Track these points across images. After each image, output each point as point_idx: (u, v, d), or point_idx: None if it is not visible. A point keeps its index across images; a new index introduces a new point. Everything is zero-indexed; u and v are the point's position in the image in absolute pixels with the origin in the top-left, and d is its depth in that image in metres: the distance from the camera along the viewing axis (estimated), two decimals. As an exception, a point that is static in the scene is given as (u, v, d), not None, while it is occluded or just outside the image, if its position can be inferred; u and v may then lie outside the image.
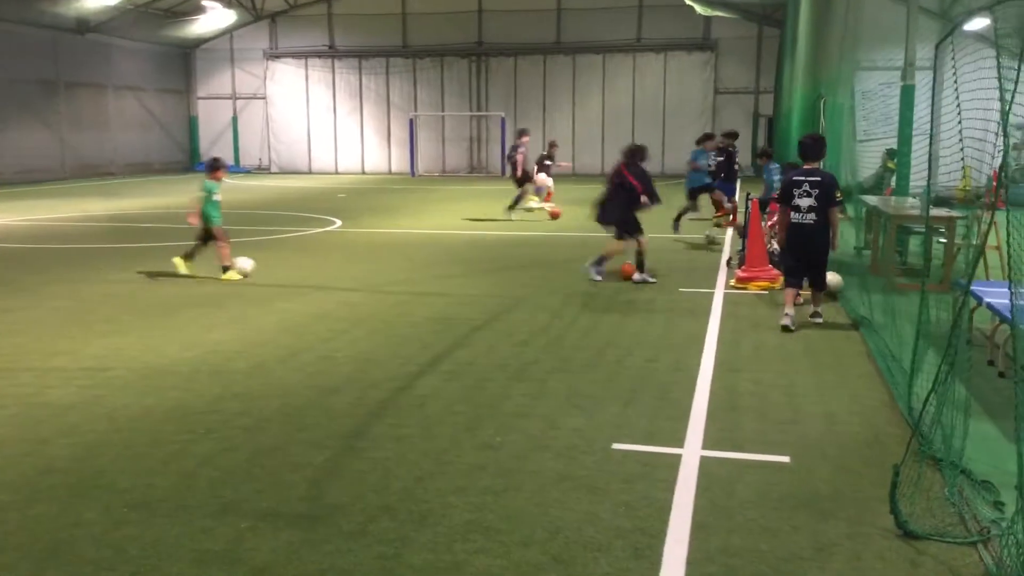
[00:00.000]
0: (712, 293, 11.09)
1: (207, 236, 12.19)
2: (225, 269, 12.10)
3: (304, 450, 5.68)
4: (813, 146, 9.46)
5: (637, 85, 38.72)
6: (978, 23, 7.43)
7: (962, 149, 5.40)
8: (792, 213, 9.20)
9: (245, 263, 12.28)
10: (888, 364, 7.50)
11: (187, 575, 4.10)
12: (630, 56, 38.59)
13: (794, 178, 9.29)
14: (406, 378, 7.32)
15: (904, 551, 4.31)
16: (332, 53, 41.16)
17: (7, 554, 4.29)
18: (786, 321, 9.09)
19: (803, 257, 9.30)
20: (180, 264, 12.25)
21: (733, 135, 18.01)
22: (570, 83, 39.37)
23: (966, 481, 5.00)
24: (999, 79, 4.49)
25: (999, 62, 4.49)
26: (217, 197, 12.12)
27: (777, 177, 16.22)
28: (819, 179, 9.16)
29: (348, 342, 8.58)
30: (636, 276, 11.75)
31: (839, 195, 9.48)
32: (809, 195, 9.08)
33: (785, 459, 5.50)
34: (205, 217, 12.07)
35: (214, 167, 12.32)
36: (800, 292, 9.61)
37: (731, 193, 17.48)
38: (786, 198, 9.27)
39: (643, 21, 38.18)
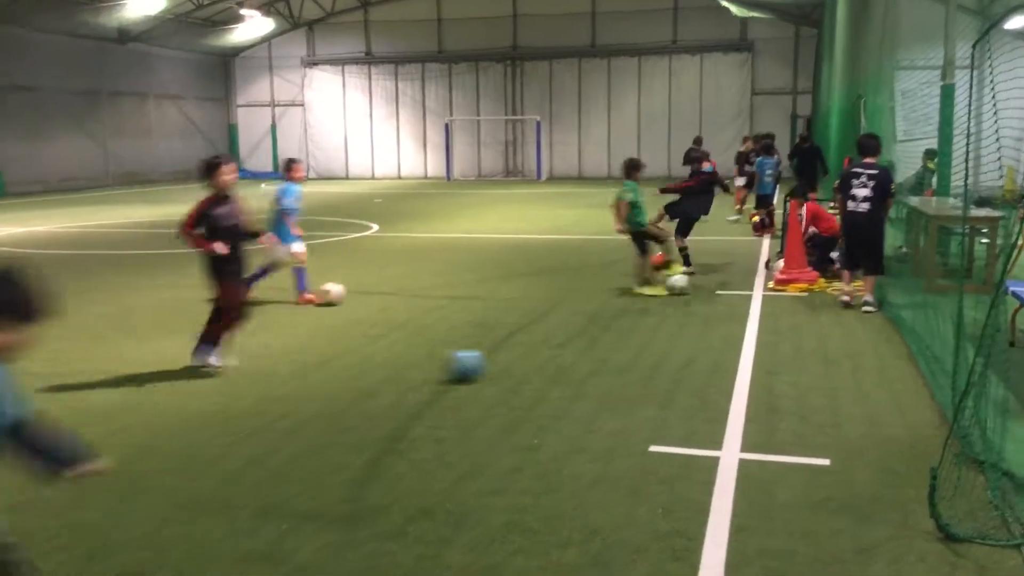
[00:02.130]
0: (750, 295, 11.02)
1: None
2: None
3: (344, 452, 5.75)
4: (870, 143, 10.19)
5: (673, 87, 38.56)
6: (1018, 21, 7.34)
7: (999, 148, 5.35)
8: (848, 202, 9.94)
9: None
10: (930, 366, 7.41)
11: (231, 574, 4.17)
12: (665, 58, 38.45)
13: (853, 170, 10.09)
14: (444, 381, 7.36)
15: (945, 554, 4.27)
16: (369, 59, 41.47)
17: (56, 554, 4.39)
18: (845, 298, 10.17)
19: (856, 244, 10.13)
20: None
21: (768, 137, 18.04)
22: (605, 86, 39.31)
23: (1009, 483, 4.93)
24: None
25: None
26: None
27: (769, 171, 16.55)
28: (876, 172, 9.89)
29: (386, 346, 8.65)
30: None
31: (893, 188, 10.29)
32: (866, 186, 9.81)
33: (825, 462, 5.47)
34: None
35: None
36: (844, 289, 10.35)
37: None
38: (844, 188, 10.05)
39: (678, 23, 38.03)
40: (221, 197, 7.61)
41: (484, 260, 14.41)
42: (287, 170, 10.88)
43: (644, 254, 11.31)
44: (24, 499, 5.01)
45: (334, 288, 10.90)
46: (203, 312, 7.87)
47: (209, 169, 7.61)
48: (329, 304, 10.66)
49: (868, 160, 9.95)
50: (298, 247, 10.82)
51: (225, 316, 7.69)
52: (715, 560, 4.24)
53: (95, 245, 17.16)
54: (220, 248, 7.44)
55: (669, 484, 5.14)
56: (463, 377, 7.29)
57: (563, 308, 10.36)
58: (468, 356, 7.48)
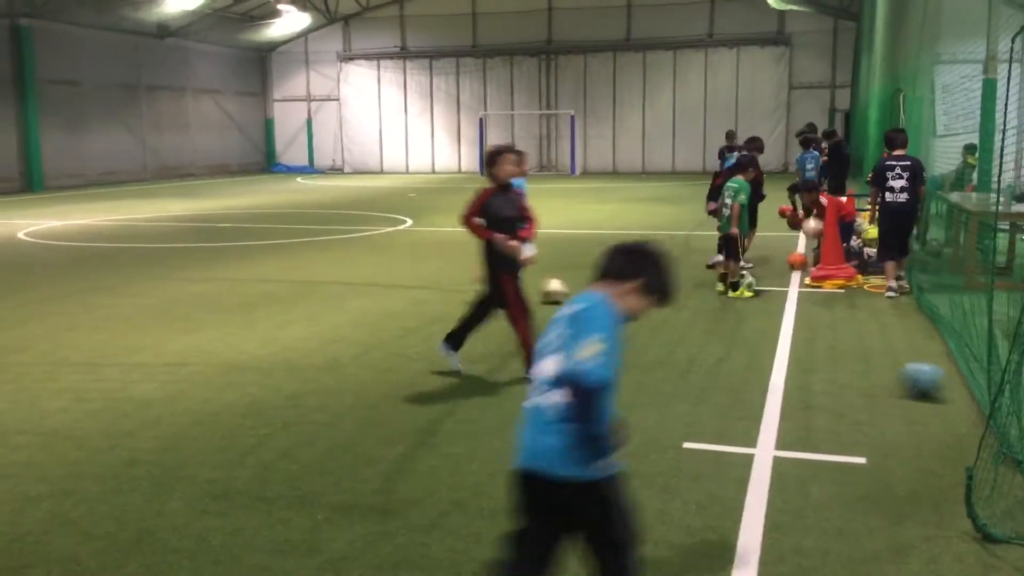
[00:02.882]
0: (786, 292, 10.93)
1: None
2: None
3: (378, 445, 5.79)
4: (899, 136, 10.69)
5: (709, 81, 38.29)
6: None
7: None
8: (886, 194, 10.35)
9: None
10: (968, 364, 7.31)
11: (266, 564, 4.22)
12: (702, 52, 38.19)
13: (886, 163, 10.49)
14: (478, 375, 7.38)
15: (981, 555, 4.21)
16: (403, 54, 41.60)
17: (94, 542, 4.47)
18: (892, 293, 10.39)
19: (896, 232, 10.49)
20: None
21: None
22: (640, 80, 39.13)
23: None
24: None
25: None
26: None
27: (811, 165, 16.17)
28: (909, 163, 10.36)
29: (420, 339, 8.69)
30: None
31: (925, 174, 10.72)
32: (901, 177, 10.28)
33: (861, 460, 5.42)
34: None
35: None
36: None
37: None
38: (879, 181, 10.48)
39: (715, 16, 37.75)
40: (501, 187, 7.17)
41: (518, 254, 14.38)
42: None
43: (735, 257, 10.83)
44: (68, 487, 5.11)
45: (554, 283, 10.47)
46: (242, 304, 7.95)
47: (491, 159, 7.17)
48: (555, 303, 9.91)
49: (898, 152, 10.50)
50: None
51: (510, 312, 7.25)
52: (749, 557, 4.22)
53: (135, 239, 17.39)
54: (502, 240, 7.05)
55: (702, 481, 5.13)
56: (923, 394, 6.61)
57: (596, 303, 10.31)
58: (925, 371, 6.71)
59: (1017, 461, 5.12)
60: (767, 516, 4.66)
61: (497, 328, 9.10)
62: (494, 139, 40.62)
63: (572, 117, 38.84)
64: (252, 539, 4.47)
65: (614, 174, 38.50)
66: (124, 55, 34.96)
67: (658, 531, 4.48)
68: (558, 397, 3.15)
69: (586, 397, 3.04)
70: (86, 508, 4.85)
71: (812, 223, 11.71)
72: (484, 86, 41.00)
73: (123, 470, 5.41)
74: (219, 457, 5.62)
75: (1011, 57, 5.68)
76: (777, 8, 33.70)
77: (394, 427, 6.14)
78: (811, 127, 20.50)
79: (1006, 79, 6.37)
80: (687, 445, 5.71)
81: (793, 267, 12.25)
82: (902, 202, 10.34)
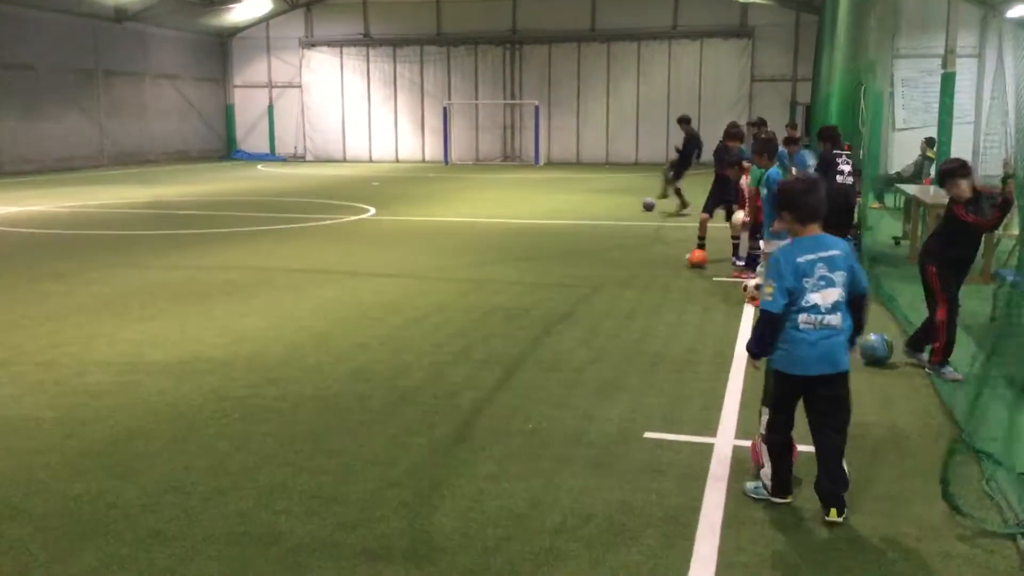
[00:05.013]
0: (743, 283, 10.98)
1: None
2: None
3: (338, 435, 5.73)
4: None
5: (673, 73, 38.38)
6: (1020, 9, 7.29)
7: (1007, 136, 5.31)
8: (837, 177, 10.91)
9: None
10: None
11: (223, 556, 4.16)
12: (665, 43, 38.27)
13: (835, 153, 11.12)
14: (440, 366, 7.34)
15: (937, 544, 4.27)
16: (367, 41, 41.24)
17: (48, 532, 4.38)
18: None
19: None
20: None
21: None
22: (604, 71, 39.14)
23: (1004, 473, 4.93)
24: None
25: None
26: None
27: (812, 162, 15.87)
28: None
29: (382, 329, 8.63)
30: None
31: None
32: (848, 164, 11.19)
33: (819, 450, 5.45)
34: None
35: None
36: None
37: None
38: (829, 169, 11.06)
39: (679, 8, 37.84)
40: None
41: (481, 245, 14.37)
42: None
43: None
44: (19, 477, 5.00)
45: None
46: (201, 293, 7.84)
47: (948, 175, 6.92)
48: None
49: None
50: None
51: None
52: (709, 547, 4.23)
53: (91, 226, 17.10)
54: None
55: (664, 471, 5.14)
56: (878, 361, 7.25)
57: (560, 293, 10.34)
58: (877, 345, 7.28)
59: (976, 451, 5.18)
60: (726, 506, 4.68)
61: (462, 318, 9.07)
62: (458, 128, 40.53)
63: (536, 107, 38.79)
64: (209, 531, 4.40)
65: (578, 164, 38.52)
66: (81, 39, 34.29)
67: (619, 521, 4.48)
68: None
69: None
70: (38, 499, 4.76)
71: (740, 215, 11.54)
72: (448, 75, 40.78)
73: (76, 461, 5.31)
74: (175, 448, 5.53)
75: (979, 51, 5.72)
76: (740, 1, 33.87)
77: (354, 418, 6.09)
78: (762, 121, 20.59)
79: (967, 74, 6.43)
80: (649, 435, 5.72)
81: (692, 266, 11.81)
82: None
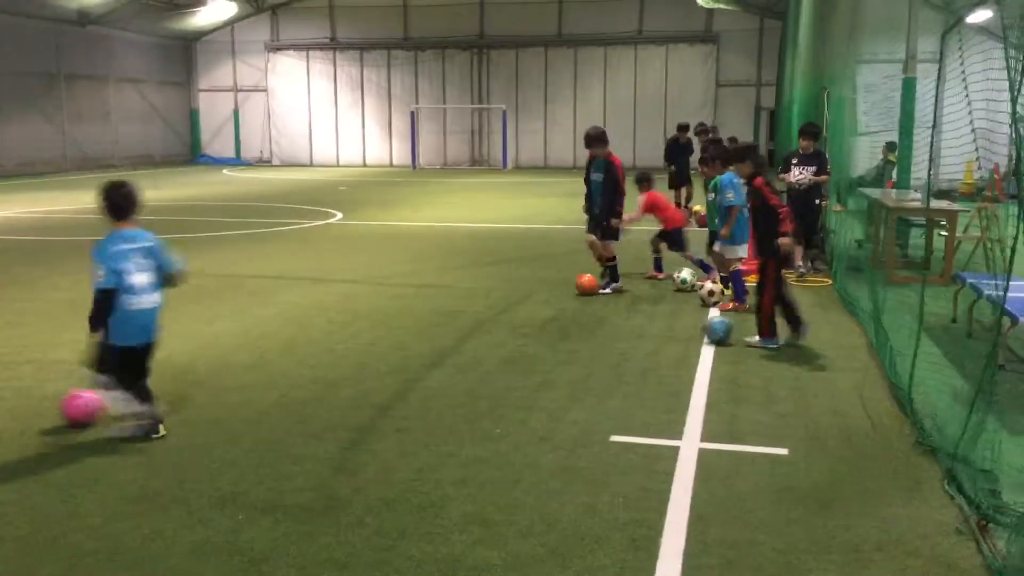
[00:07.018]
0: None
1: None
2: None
3: (304, 442, 5.69)
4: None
5: (639, 77, 38.59)
6: (980, 15, 7.41)
7: (974, 141, 5.39)
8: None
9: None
10: (890, 356, 7.49)
11: (184, 566, 4.11)
12: (632, 48, 38.47)
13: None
14: (408, 371, 7.32)
15: (902, 543, 4.31)
16: (333, 45, 41.07)
17: (7, 544, 4.30)
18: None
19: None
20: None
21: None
22: (572, 75, 39.26)
23: (965, 471, 4.99)
24: (1008, 70, 4.46)
25: (1007, 53, 4.46)
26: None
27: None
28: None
29: (350, 335, 8.58)
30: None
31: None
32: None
33: (784, 451, 5.51)
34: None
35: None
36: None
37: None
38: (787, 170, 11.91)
39: (645, 13, 38.06)
40: None
41: (450, 249, 14.35)
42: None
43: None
44: (-26, 490, 4.91)
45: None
46: (166, 299, 7.69)
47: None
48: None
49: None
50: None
51: None
52: (674, 549, 4.25)
53: (54, 231, 16.86)
54: None
55: (629, 474, 5.15)
56: (719, 342, 8.14)
57: (529, 298, 10.34)
58: (718, 329, 8.25)
59: (935, 450, 5.25)
60: (692, 508, 4.70)
61: (431, 323, 9.04)
62: (426, 133, 40.43)
63: (504, 112, 38.82)
64: (170, 540, 4.35)
65: (546, 168, 38.59)
66: (43, 42, 33.82)
67: (585, 525, 4.48)
68: None
69: None
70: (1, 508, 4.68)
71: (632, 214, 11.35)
72: (416, 79, 40.70)
73: (36, 470, 5.23)
74: (136, 457, 5.46)
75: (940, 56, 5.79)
76: (705, 6, 34.10)
77: (321, 424, 6.05)
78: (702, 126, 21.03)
79: (928, 79, 6.53)
80: (615, 438, 5.73)
81: (582, 292, 10.49)
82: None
